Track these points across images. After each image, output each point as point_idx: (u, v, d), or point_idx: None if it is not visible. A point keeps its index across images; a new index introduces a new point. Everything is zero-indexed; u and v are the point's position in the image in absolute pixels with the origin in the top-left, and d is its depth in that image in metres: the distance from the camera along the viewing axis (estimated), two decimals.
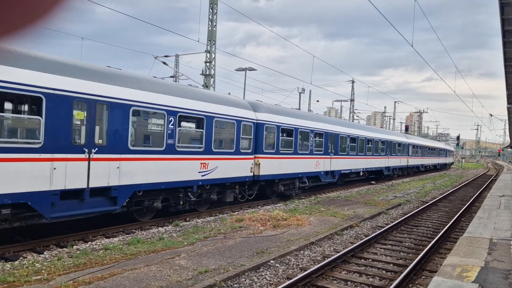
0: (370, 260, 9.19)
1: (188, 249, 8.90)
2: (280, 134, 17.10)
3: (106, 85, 9.78)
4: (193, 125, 13.56)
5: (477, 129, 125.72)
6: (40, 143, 8.39)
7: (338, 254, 8.94)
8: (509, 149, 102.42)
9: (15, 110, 9.87)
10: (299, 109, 27.58)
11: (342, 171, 23.35)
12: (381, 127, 68.89)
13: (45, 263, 7.60)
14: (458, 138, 61.00)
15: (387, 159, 31.41)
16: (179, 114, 11.88)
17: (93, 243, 9.55)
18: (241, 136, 14.74)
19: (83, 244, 9.37)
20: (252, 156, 15.47)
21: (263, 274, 7.71)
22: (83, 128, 9.41)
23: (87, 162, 9.32)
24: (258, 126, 15.74)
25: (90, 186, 9.38)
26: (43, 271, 7.06)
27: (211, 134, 13.24)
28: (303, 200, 18.39)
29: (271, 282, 7.33)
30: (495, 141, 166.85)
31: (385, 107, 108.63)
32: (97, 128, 9.64)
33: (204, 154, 12.99)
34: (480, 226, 10.61)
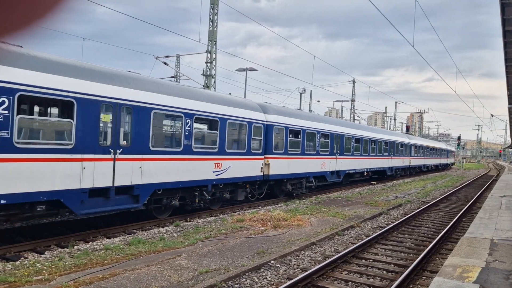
0: (371, 260, 9.19)
1: (189, 250, 8.90)
2: (288, 135, 17.56)
3: (130, 89, 10.38)
4: (208, 127, 14.04)
5: (478, 130, 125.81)
6: (71, 144, 8.99)
7: (339, 255, 8.94)
8: (510, 150, 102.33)
9: (51, 114, 10.41)
10: (299, 109, 27.70)
11: (347, 171, 23.82)
12: (382, 128, 68.86)
13: (46, 263, 7.60)
14: (459, 138, 60.87)
15: (390, 159, 31.83)
16: (195, 116, 12.44)
17: (94, 243, 9.56)
18: (252, 137, 15.29)
19: (84, 244, 9.37)
20: (262, 157, 15.97)
21: (263, 274, 7.71)
22: (109, 130, 10.00)
23: (112, 162, 9.90)
24: (268, 128, 16.28)
25: (115, 184, 9.96)
26: (44, 271, 7.06)
27: (225, 135, 13.80)
28: (304, 200, 18.40)
29: (272, 283, 7.32)
30: (496, 142, 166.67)
31: (386, 107, 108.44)
32: (121, 130, 10.26)
33: (218, 155, 13.55)
34: (481, 226, 10.59)
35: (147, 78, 11.67)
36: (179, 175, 11.86)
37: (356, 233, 12.04)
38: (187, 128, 12.13)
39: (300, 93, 43.48)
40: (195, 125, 12.57)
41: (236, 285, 7.03)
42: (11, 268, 7.22)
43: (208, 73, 23.48)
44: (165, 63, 20.27)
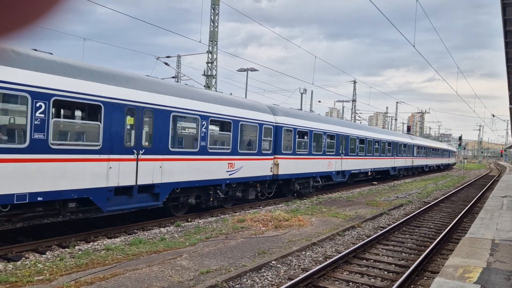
0: (372, 260, 9.18)
1: (190, 250, 8.90)
2: (296, 136, 18.00)
3: (151, 93, 10.94)
4: (222, 128, 14.49)
5: (479, 130, 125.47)
6: (99, 145, 9.54)
7: (340, 255, 8.93)
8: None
9: (80, 117, 10.90)
10: (300, 109, 27.82)
11: (352, 171, 24.33)
12: (383, 128, 68.80)
13: (47, 264, 7.61)
14: (460, 138, 60.85)
15: (393, 160, 32.32)
16: (210, 118, 13.00)
17: (95, 243, 9.57)
18: (262, 138, 15.84)
19: (85, 245, 9.38)
20: (272, 157, 16.48)
21: (264, 274, 7.71)
22: (133, 132, 10.57)
23: (135, 162, 10.44)
24: (277, 129, 16.78)
25: (138, 183, 10.51)
26: (45, 272, 7.07)
27: (237, 136, 14.35)
28: (305, 200, 18.40)
29: (273, 283, 7.32)
30: (497, 142, 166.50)
31: (387, 107, 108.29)
32: (143, 131, 10.83)
33: (231, 155, 14.11)
34: (482, 227, 10.57)
35: (166, 82, 12.38)
36: (195, 175, 12.43)
37: (357, 233, 12.02)
38: (203, 129, 12.67)
39: (301, 93, 43.47)
40: (210, 126, 13.17)
41: (237, 285, 7.03)
42: (12, 268, 7.22)
43: (209, 73, 23.49)
44: (166, 64, 20.29)
